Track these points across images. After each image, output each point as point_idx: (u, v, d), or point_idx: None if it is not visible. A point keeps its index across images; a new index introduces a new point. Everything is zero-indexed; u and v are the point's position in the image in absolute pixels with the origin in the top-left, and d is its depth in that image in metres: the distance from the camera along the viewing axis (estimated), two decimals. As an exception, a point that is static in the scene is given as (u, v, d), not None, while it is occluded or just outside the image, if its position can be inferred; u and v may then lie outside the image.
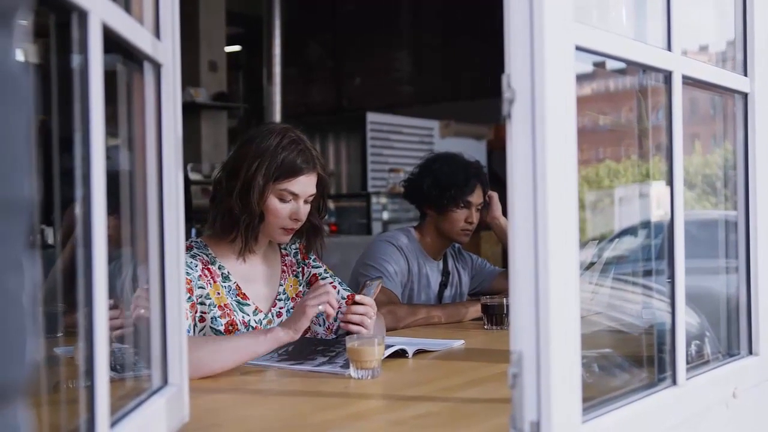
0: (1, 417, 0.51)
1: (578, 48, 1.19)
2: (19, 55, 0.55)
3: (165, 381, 1.32)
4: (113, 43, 1.07)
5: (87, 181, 0.96)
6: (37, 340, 0.55)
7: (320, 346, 2.07)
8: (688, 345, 1.55)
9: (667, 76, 1.46)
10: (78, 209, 0.97)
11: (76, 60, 0.98)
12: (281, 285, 2.25)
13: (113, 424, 1.04)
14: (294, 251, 2.32)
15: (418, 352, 2.09)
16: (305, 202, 2.14)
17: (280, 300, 2.23)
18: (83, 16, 0.95)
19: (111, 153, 1.04)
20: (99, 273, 0.97)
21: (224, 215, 2.12)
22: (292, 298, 2.26)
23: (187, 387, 1.37)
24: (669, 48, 1.46)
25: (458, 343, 2.27)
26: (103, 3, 1.00)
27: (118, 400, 1.15)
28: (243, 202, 2.08)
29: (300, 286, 2.29)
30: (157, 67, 1.30)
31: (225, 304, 2.09)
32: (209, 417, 1.49)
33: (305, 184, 2.12)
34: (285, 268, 2.28)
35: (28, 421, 0.56)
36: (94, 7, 0.97)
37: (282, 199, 2.10)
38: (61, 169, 0.98)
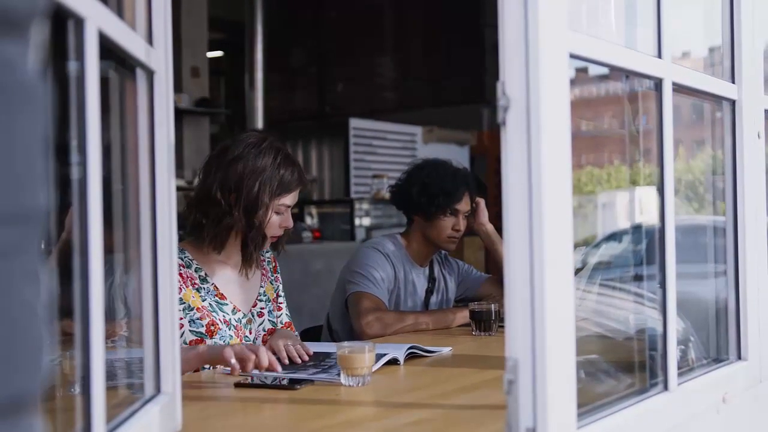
0: (19, 427, 0.50)
1: (572, 56, 1.19)
2: (34, 64, 0.55)
3: (158, 390, 1.31)
4: (106, 49, 1.06)
5: (83, 187, 0.96)
6: (51, 350, 0.55)
7: (313, 359, 2.06)
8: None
9: (658, 83, 1.47)
10: (72, 216, 0.97)
11: (71, 66, 0.97)
12: (262, 287, 2.33)
13: (108, 433, 1.04)
14: (267, 260, 2.39)
15: (410, 357, 2.09)
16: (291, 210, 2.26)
17: (261, 300, 2.31)
18: (80, 23, 0.95)
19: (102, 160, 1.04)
20: (95, 281, 0.96)
21: (223, 230, 2.15)
22: (272, 300, 2.35)
23: (180, 396, 1.36)
24: (659, 55, 1.47)
25: (446, 350, 2.27)
26: (99, 10, 0.99)
27: (111, 409, 1.14)
28: (249, 221, 2.14)
29: (274, 292, 2.38)
30: (150, 74, 1.29)
31: (203, 306, 2.14)
32: (202, 426, 1.48)
33: (296, 196, 2.24)
34: (264, 271, 2.36)
35: (43, 430, 0.55)
36: (91, 14, 0.96)
37: (278, 213, 2.20)
38: (55, 176, 0.97)
